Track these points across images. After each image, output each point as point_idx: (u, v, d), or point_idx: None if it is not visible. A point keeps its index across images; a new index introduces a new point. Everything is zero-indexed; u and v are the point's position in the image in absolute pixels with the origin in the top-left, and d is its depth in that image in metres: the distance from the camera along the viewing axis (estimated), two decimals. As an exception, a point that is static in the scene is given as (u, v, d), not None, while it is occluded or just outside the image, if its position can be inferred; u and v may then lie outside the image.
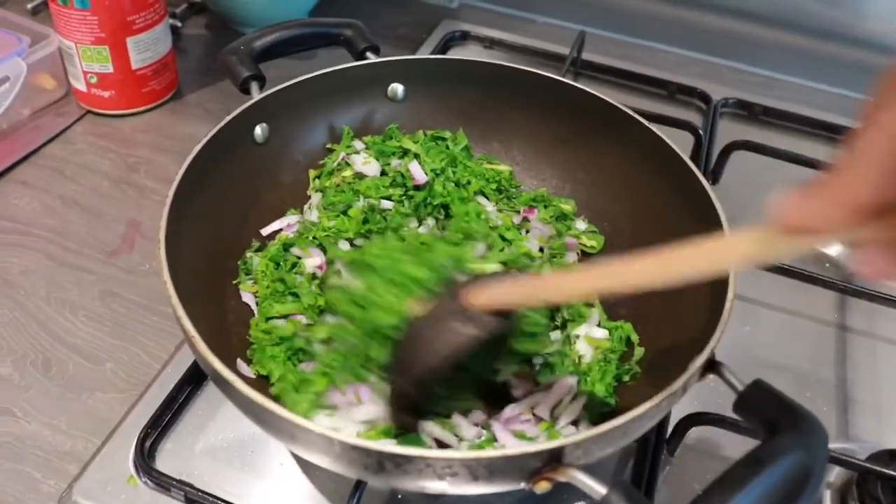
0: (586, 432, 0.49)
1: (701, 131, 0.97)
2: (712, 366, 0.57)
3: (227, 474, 0.68)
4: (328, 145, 0.83)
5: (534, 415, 0.65)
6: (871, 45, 1.11)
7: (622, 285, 0.53)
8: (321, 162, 0.82)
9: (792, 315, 0.84)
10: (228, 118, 0.71)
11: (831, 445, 0.72)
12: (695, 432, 0.69)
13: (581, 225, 0.79)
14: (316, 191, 0.80)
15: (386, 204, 0.78)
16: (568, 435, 0.56)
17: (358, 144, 0.82)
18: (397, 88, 0.83)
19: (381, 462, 0.49)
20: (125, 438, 0.69)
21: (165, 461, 0.68)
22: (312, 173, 0.81)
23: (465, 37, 1.17)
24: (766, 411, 0.52)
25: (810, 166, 0.92)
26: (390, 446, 0.49)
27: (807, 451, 0.49)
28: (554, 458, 0.50)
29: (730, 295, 0.59)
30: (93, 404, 0.73)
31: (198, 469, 0.68)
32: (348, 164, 0.80)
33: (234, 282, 0.73)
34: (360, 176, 0.80)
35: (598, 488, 0.47)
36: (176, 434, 0.70)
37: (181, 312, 0.56)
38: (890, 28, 1.09)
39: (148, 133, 1.01)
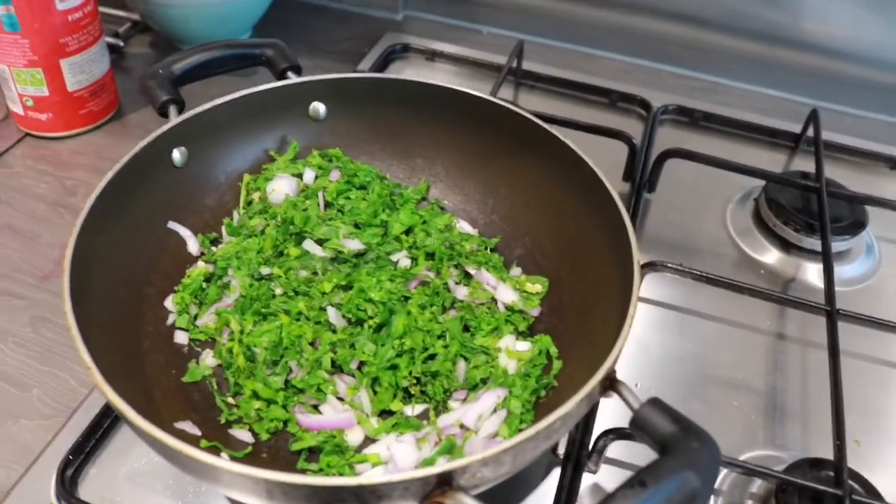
0: (472, 457, 0.49)
1: (636, 140, 0.97)
2: (612, 384, 0.57)
3: (150, 499, 0.67)
4: (271, 152, 0.84)
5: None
6: (812, 47, 1.11)
7: None
8: (265, 167, 0.83)
9: (726, 324, 0.84)
10: (141, 145, 0.71)
11: (756, 454, 0.73)
12: (619, 446, 0.69)
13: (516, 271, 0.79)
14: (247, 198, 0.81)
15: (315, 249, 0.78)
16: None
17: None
18: (319, 107, 0.83)
19: (270, 490, 0.49)
20: (48, 466, 0.69)
21: (89, 487, 0.68)
22: (247, 178, 0.82)
23: (406, 49, 1.17)
24: (660, 430, 0.52)
25: (743, 172, 0.92)
26: (276, 474, 0.49)
27: (695, 471, 0.49)
28: (444, 482, 0.50)
29: (630, 311, 0.59)
30: (17, 432, 0.73)
31: (120, 495, 0.67)
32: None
33: (168, 323, 0.73)
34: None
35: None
36: (100, 460, 0.70)
37: (80, 344, 0.56)
38: (829, 30, 1.09)
39: (86, 155, 1.01)
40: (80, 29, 0.96)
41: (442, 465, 0.48)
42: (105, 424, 0.71)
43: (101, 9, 1.00)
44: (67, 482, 0.67)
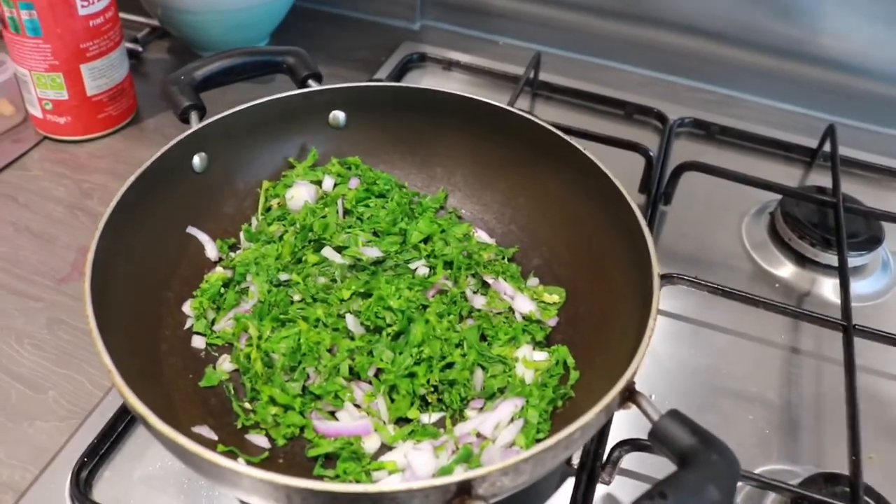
0: (492, 466, 0.49)
1: (652, 153, 0.97)
2: (630, 395, 0.57)
3: (163, 502, 0.68)
4: (290, 159, 0.84)
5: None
6: (828, 62, 1.11)
7: None
8: (284, 173, 0.83)
9: (740, 337, 0.84)
10: (163, 150, 0.71)
11: (771, 468, 0.73)
12: (631, 457, 0.69)
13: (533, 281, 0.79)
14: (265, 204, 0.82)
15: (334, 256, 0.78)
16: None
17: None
18: (339, 116, 0.83)
19: (290, 496, 0.49)
20: (62, 468, 0.69)
21: (103, 490, 0.68)
22: (266, 184, 0.83)
23: (423, 59, 1.18)
24: (679, 442, 0.52)
25: (759, 186, 0.92)
26: (298, 480, 0.49)
27: (715, 484, 0.49)
28: (463, 491, 0.50)
29: (650, 324, 0.59)
30: (33, 433, 0.73)
31: (134, 498, 0.68)
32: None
33: (186, 328, 0.73)
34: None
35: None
36: (114, 462, 0.70)
37: (101, 348, 0.56)
38: (846, 45, 1.09)
39: (104, 159, 1.02)
40: (101, 34, 0.96)
41: (462, 474, 0.49)
42: (119, 427, 0.71)
43: (121, 14, 1.00)
44: (82, 484, 0.67)
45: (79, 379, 0.77)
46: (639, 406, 0.56)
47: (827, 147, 1.02)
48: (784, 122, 1.13)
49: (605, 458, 0.69)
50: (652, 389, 0.78)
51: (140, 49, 1.18)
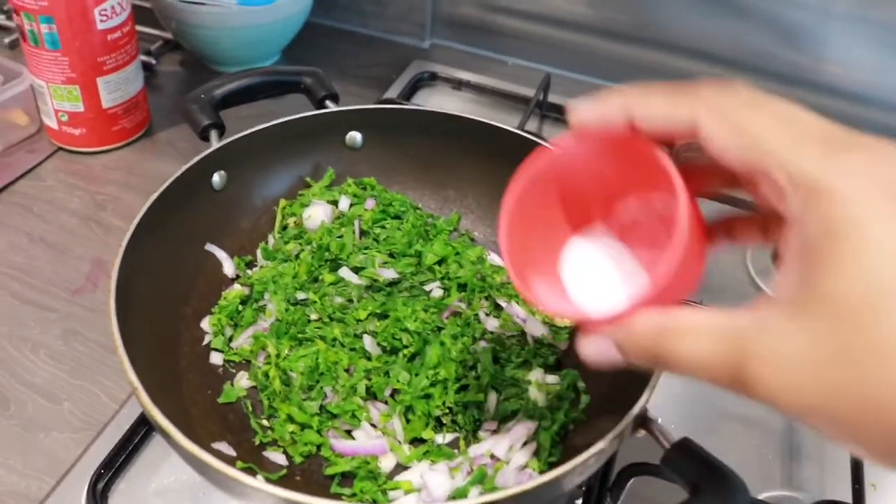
0: (509, 490, 0.51)
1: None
2: (644, 422, 0.58)
3: (179, 516, 0.69)
4: (306, 178, 0.85)
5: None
6: (834, 90, 1.13)
7: None
8: (300, 192, 0.85)
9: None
10: (185, 168, 0.73)
11: (773, 494, 0.74)
12: (639, 482, 0.71)
13: None
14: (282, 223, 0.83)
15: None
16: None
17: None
18: (355, 136, 0.84)
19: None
20: (79, 479, 0.70)
21: (118, 502, 0.69)
22: (283, 203, 0.84)
23: (433, 77, 1.19)
24: (691, 470, 0.54)
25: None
26: (325, 501, 0.50)
27: (725, 513, 0.50)
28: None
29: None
30: (49, 444, 0.74)
31: (150, 510, 0.69)
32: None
33: (204, 344, 0.74)
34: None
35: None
36: (130, 475, 0.71)
37: (127, 365, 0.57)
38: (851, 74, 1.11)
39: (118, 171, 1.03)
40: (118, 48, 0.98)
41: (482, 497, 0.50)
42: (135, 440, 0.72)
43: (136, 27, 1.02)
44: (98, 496, 0.68)
45: (93, 391, 0.78)
46: (651, 433, 0.58)
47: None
48: (788, 149, 1.15)
49: (612, 481, 0.70)
50: (656, 412, 0.78)
51: (153, 62, 1.19)
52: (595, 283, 0.52)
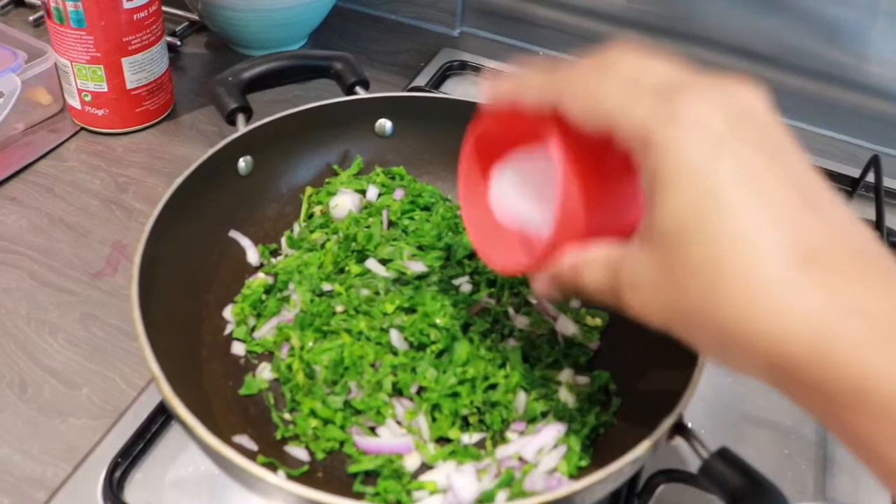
0: (543, 496, 0.49)
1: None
2: (680, 430, 0.56)
3: (195, 508, 0.67)
4: (334, 166, 0.84)
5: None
6: (875, 90, 1.10)
7: None
8: (327, 180, 0.83)
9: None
10: (211, 152, 0.71)
11: (806, 504, 0.72)
12: (667, 488, 0.69)
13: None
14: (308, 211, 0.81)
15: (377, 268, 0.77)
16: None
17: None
18: (385, 124, 0.82)
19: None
20: (95, 467, 0.69)
21: (134, 491, 0.68)
22: (309, 190, 0.82)
23: (463, 66, 1.17)
24: (730, 481, 0.52)
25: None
26: (351, 502, 0.49)
27: (766, 526, 0.48)
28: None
29: (702, 357, 0.58)
30: (66, 430, 0.73)
31: (165, 501, 0.67)
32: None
33: (226, 333, 0.73)
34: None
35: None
36: (147, 464, 0.70)
37: (148, 353, 0.56)
38: (892, 74, 1.08)
39: (140, 153, 1.01)
40: (143, 28, 0.96)
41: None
42: (153, 429, 0.71)
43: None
44: (115, 485, 0.67)
45: (111, 377, 0.77)
46: (688, 442, 0.55)
47: (870, 177, 1.00)
48: (826, 149, 1.12)
49: (640, 486, 0.68)
50: (687, 418, 0.77)
51: (178, 43, 1.17)
52: (524, 207, 0.58)
